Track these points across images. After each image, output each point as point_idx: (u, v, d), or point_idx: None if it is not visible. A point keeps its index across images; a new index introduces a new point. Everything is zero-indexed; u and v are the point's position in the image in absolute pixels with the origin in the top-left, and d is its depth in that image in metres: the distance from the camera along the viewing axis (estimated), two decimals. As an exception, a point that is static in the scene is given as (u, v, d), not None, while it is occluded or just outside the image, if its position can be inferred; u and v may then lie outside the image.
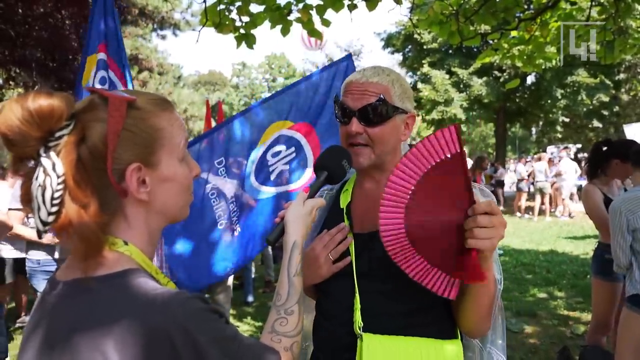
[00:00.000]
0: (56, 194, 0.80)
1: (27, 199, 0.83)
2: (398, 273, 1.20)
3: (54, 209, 0.80)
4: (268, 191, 3.18)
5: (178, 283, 3.06)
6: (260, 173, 3.16)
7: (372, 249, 1.34)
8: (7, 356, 3.65)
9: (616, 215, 2.92)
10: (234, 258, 3.13)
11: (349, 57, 3.23)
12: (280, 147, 3.17)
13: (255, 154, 3.15)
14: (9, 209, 3.79)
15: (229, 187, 3.11)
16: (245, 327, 5.32)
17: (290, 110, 3.15)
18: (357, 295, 1.32)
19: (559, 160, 14.64)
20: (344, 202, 1.48)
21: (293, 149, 3.17)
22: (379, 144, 1.35)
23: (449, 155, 1.05)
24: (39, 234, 0.83)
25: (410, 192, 1.10)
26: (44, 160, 0.80)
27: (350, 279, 1.35)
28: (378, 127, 1.33)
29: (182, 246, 3.07)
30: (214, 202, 3.08)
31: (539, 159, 14.44)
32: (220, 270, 3.14)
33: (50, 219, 0.81)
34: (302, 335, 1.64)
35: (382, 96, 1.32)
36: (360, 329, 1.28)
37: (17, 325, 5.38)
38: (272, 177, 3.16)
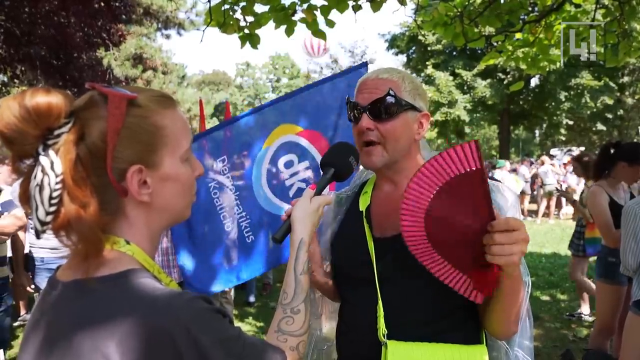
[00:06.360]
0: (54, 194, 0.79)
1: (25, 198, 0.82)
2: (420, 278, 1.18)
3: (52, 208, 0.79)
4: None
5: (192, 288, 3.05)
6: (276, 187, 3.06)
7: (393, 254, 1.30)
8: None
9: (630, 217, 2.81)
10: (258, 263, 3.06)
11: (364, 65, 3.13)
12: (291, 157, 3.05)
13: (261, 157, 3.06)
14: None
15: (230, 186, 3.06)
16: (246, 328, 5.31)
17: (299, 114, 3.06)
18: (380, 302, 1.29)
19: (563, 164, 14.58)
20: (363, 204, 1.44)
21: (307, 163, 3.04)
22: (390, 140, 1.32)
23: (468, 170, 1.02)
24: (37, 233, 0.81)
25: (429, 200, 1.07)
26: (42, 158, 0.79)
27: (371, 286, 1.31)
28: (389, 123, 1.31)
29: (193, 253, 3.03)
30: (216, 201, 3.05)
31: (542, 163, 14.40)
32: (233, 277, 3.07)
33: (49, 218, 0.80)
34: (324, 337, 1.61)
35: (391, 91, 1.30)
36: (384, 337, 1.25)
37: (18, 323, 5.38)
38: (291, 193, 3.04)
